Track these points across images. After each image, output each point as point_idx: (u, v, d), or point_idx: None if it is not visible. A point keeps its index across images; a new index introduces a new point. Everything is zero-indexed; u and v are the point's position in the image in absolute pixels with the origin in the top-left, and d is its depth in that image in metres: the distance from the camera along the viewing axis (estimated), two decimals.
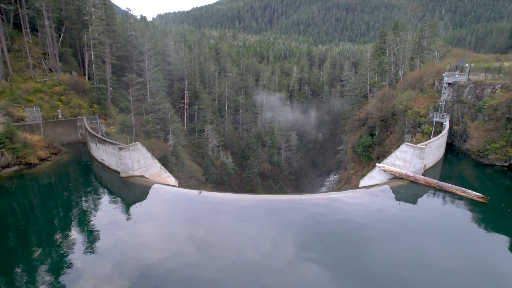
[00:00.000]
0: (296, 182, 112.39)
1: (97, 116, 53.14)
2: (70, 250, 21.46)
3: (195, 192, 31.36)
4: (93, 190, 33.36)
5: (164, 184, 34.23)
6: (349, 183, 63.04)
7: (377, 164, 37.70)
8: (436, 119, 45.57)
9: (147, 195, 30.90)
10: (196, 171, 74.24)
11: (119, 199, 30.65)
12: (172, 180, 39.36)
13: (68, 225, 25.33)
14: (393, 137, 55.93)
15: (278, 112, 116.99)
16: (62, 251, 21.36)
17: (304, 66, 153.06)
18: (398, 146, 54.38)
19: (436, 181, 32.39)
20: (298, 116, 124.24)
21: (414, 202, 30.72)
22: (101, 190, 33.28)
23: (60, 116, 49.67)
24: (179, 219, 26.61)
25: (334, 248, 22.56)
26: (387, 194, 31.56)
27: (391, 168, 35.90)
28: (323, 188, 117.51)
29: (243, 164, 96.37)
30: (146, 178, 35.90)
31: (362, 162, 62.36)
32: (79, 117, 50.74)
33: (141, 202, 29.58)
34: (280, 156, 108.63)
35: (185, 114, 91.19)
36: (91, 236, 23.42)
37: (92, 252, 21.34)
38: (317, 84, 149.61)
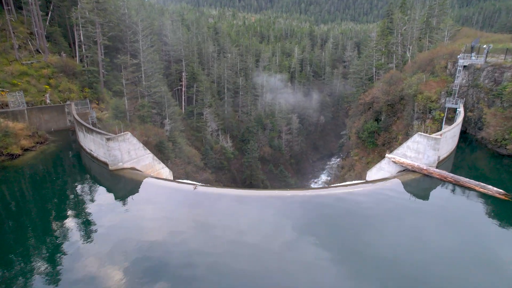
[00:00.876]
0: (296, 166, 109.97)
1: (88, 101, 49.90)
2: (46, 252, 18.86)
3: (189, 187, 28.56)
4: (79, 184, 30.56)
5: (156, 178, 31.41)
6: (352, 170, 60.35)
7: (386, 155, 34.79)
8: (448, 105, 42.35)
9: (137, 192, 28.13)
10: (194, 156, 71.47)
11: (105, 196, 27.77)
12: (166, 171, 36.57)
13: (46, 225, 22.67)
14: (400, 123, 52.81)
15: (279, 94, 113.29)
16: (40, 252, 18.76)
17: (306, 47, 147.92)
18: (406, 132, 51.47)
19: (452, 175, 29.55)
20: (300, 98, 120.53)
21: (427, 198, 28.00)
22: (88, 185, 30.45)
23: (48, 101, 46.45)
24: (169, 226, 23.86)
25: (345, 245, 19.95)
26: (398, 190, 28.79)
27: (402, 159, 32.99)
28: (324, 172, 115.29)
29: (243, 148, 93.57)
30: (137, 170, 33.10)
31: (367, 148, 59.48)
32: (68, 102, 47.52)
33: (129, 200, 26.81)
34: (281, 139, 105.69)
35: (183, 97, 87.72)
36: (70, 239, 20.78)
37: (69, 255, 18.74)
38: (319, 65, 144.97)
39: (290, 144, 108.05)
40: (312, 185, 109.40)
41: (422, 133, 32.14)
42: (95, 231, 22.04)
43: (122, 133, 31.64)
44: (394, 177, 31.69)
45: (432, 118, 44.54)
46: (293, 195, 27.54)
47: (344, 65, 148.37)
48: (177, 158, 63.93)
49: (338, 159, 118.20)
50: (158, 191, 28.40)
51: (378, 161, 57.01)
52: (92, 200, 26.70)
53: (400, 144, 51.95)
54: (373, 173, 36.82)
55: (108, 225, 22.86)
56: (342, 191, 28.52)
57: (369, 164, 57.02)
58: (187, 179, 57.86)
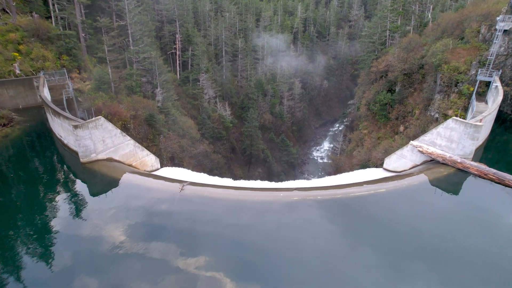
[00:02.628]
0: (298, 133, 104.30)
1: (65, 70, 43.16)
2: None
3: (176, 188, 23.03)
4: (42, 185, 24.91)
5: (138, 174, 25.80)
6: (361, 145, 54.70)
7: (411, 142, 28.90)
8: (480, 77, 35.82)
9: (110, 195, 22.64)
10: (190, 127, 65.46)
11: (67, 206, 21.94)
12: (151, 159, 30.92)
13: None
14: (418, 96, 46.38)
15: (281, 57, 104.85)
16: None
17: (310, 5, 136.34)
18: (425, 107, 45.19)
19: (494, 170, 23.88)
20: (302, 62, 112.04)
21: (471, 202, 22.58)
22: (52, 186, 24.75)
23: (18, 71, 39.83)
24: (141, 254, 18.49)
25: None
26: (430, 190, 23.32)
27: (431, 149, 27.15)
28: (326, 139, 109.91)
29: (242, 116, 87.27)
30: (116, 161, 27.46)
31: (378, 122, 53.46)
32: (42, 72, 40.85)
33: (97, 211, 21.24)
34: (282, 106, 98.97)
35: (177, 61, 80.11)
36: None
37: None
38: (323, 25, 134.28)
39: (292, 110, 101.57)
40: (314, 153, 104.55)
41: (458, 118, 26.07)
42: (45, 254, 16.81)
43: (93, 119, 25.63)
44: (420, 171, 26.09)
45: (459, 93, 38.17)
46: (303, 198, 22.11)
47: (350, 25, 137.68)
48: (171, 131, 58.11)
49: (341, 126, 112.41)
50: (136, 193, 22.89)
51: (390, 136, 51.42)
52: (52, 210, 21.20)
53: (417, 119, 46.05)
54: (392, 161, 31.19)
55: (61, 252, 17.55)
56: (362, 191, 23.07)
57: (380, 140, 51.35)
58: (180, 167, 52.59)
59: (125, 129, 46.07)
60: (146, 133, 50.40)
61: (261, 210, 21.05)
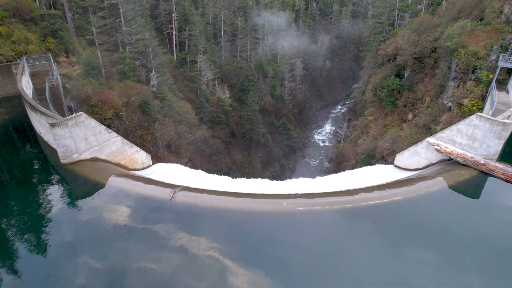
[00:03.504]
0: (299, 116, 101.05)
1: (51, 54, 39.64)
2: None
3: (166, 194, 20.31)
4: (15, 192, 22.18)
5: (125, 177, 23.01)
6: (366, 133, 51.73)
7: (427, 138, 25.98)
8: (502, 64, 32.46)
9: (93, 205, 19.90)
10: (187, 112, 62.30)
11: (37, 218, 19.12)
12: (141, 156, 28.08)
13: None
14: (429, 82, 43.05)
15: (282, 36, 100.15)
16: None
17: None
18: (437, 94, 41.93)
19: None
20: (304, 41, 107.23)
21: (498, 215, 19.91)
22: (26, 193, 21.97)
23: None
24: None
25: None
26: (448, 197, 20.64)
27: (450, 148, 24.26)
28: (328, 122, 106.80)
29: (242, 99, 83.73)
30: (101, 160, 24.65)
31: (385, 108, 50.25)
32: (25, 57, 37.41)
33: (74, 223, 18.54)
34: (283, 88, 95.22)
35: (174, 42, 75.98)
36: None
37: None
38: (326, 3, 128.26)
39: (293, 92, 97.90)
40: (316, 136, 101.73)
41: (483, 114, 23.07)
42: None
43: (73, 115, 22.62)
44: (437, 173, 23.33)
45: (476, 80, 34.90)
46: (309, 208, 19.45)
47: (354, 2, 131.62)
48: (167, 117, 55.06)
49: (344, 108, 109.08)
50: (121, 203, 20.16)
51: (398, 124, 48.38)
52: (16, 226, 18.48)
53: (428, 107, 42.91)
54: (404, 157, 28.41)
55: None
56: (374, 199, 20.39)
57: (387, 128, 48.38)
58: (176, 160, 49.68)
59: (117, 117, 43.11)
60: (140, 120, 47.38)
61: (262, 226, 18.44)
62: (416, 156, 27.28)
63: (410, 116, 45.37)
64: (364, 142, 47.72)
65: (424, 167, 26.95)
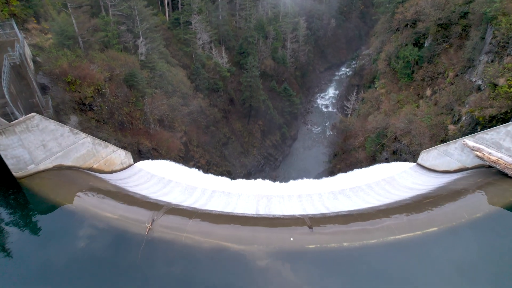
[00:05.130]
0: (302, 80, 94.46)
1: (14, 22, 33.25)
2: None
3: (148, 216, 15.89)
4: None
5: (94, 193, 18.37)
6: (377, 108, 46.34)
7: (464, 139, 21.01)
8: None
9: (43, 241, 15.47)
10: (181, 82, 56.44)
11: None
12: (119, 155, 23.33)
13: None
14: (454, 54, 37.01)
15: None
16: None
17: None
18: (463, 69, 36.06)
19: None
20: None
21: None
22: None
23: None
24: None
25: None
26: (499, 227, 16.20)
27: (495, 156, 19.38)
28: (331, 85, 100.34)
29: (241, 63, 76.88)
30: (68, 168, 19.97)
31: (399, 81, 44.43)
32: None
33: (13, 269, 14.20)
34: (285, 49, 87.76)
35: (166, 0, 67.83)
36: None
37: None
38: None
39: (296, 54, 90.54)
40: (318, 101, 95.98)
41: None
42: None
43: (22, 119, 17.52)
44: (477, 186, 18.74)
45: None
46: (322, 247, 15.12)
47: None
48: (158, 89, 49.42)
49: (348, 69, 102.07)
50: (84, 235, 15.75)
51: (413, 101, 42.88)
52: None
53: (451, 83, 37.29)
54: (431, 157, 23.66)
55: None
56: (401, 226, 15.99)
57: (401, 104, 43.01)
58: (170, 136, 44.46)
59: (99, 94, 37.69)
60: (127, 96, 41.96)
61: (264, 276, 14.16)
62: (447, 157, 22.54)
63: (428, 92, 39.82)
64: (375, 119, 42.60)
65: (455, 171, 22.34)
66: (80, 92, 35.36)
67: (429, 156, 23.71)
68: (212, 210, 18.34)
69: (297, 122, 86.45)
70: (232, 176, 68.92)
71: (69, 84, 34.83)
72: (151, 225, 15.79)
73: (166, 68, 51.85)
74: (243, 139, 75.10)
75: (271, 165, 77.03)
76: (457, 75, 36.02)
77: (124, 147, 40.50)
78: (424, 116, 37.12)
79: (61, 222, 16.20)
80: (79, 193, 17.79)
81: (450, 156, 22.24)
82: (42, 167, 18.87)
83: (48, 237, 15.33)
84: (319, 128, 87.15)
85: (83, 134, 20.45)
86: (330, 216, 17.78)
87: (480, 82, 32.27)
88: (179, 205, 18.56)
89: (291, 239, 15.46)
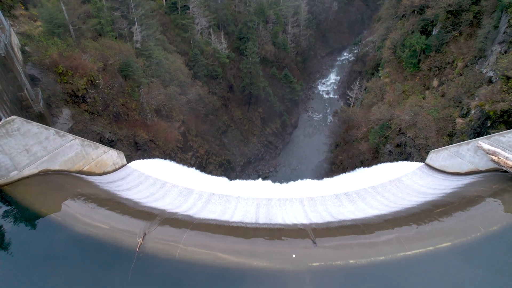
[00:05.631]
0: (303, 65, 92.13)
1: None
2: None
3: (133, 241, 14.68)
4: None
5: (84, 199, 17.07)
6: (381, 98, 44.67)
7: (479, 142, 19.56)
8: None
9: (21, 259, 14.24)
10: (179, 69, 54.51)
11: None
12: (111, 156, 21.96)
13: None
14: (465, 44, 35.12)
15: None
16: None
17: None
18: (473, 59, 34.27)
19: None
20: None
21: None
22: None
23: None
24: None
25: None
26: None
27: None
28: (333, 71, 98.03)
29: (240, 48, 74.57)
30: (55, 172, 18.64)
31: (404, 70, 42.59)
32: None
33: None
34: (286, 34, 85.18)
35: None
36: None
37: None
38: None
39: (297, 39, 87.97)
40: (319, 87, 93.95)
41: None
42: None
43: (0, 123, 16.07)
44: (492, 192, 17.46)
45: None
46: (328, 267, 13.96)
47: None
48: (154, 78, 47.64)
49: (350, 55, 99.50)
50: (69, 253, 14.54)
51: (419, 91, 41.18)
52: None
53: (460, 74, 35.55)
54: (441, 157, 22.27)
55: None
56: (415, 243, 14.80)
57: (406, 95, 41.36)
58: (168, 126, 43.03)
59: (92, 86, 35.98)
60: (122, 86, 40.24)
61: None
62: (458, 158, 21.16)
63: (435, 82, 38.08)
64: (379, 110, 41.00)
65: (466, 173, 21.02)
66: (72, 84, 33.70)
67: (438, 157, 22.33)
68: (209, 220, 17.12)
69: (297, 109, 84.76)
70: (232, 165, 67.94)
71: (60, 76, 33.14)
72: (142, 240, 14.59)
73: (163, 56, 49.84)
74: (243, 127, 73.65)
75: (271, 153, 75.85)
76: (466, 66, 34.23)
77: (120, 140, 39.33)
78: (431, 109, 35.57)
79: (43, 235, 14.98)
80: (65, 202, 16.51)
81: (462, 158, 20.87)
82: (26, 173, 17.52)
83: (26, 254, 14.14)
84: (320, 115, 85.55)
85: (70, 136, 19.01)
86: (334, 227, 16.59)
87: (491, 74, 30.56)
88: (173, 214, 17.33)
89: (293, 255, 14.28)
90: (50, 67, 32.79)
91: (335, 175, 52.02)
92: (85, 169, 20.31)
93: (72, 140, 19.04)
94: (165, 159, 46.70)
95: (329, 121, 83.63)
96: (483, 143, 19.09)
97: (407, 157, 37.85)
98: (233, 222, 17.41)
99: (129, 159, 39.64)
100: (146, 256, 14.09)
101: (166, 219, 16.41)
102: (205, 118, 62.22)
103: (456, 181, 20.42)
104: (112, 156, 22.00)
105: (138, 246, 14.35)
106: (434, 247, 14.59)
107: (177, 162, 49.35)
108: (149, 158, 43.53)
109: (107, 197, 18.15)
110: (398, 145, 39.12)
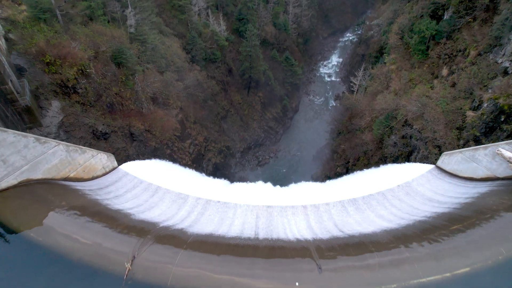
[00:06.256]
0: (304, 47, 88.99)
1: None
2: None
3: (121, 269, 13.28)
4: None
5: (66, 212, 15.58)
6: (386, 87, 42.53)
7: (499, 148, 17.87)
8: None
9: None
10: (175, 54, 52.02)
11: None
12: (100, 160, 20.30)
13: None
14: (478, 30, 32.73)
15: None
16: None
17: None
18: (487, 47, 31.95)
19: None
20: None
21: None
22: None
23: None
24: None
25: None
26: None
27: None
28: (335, 52, 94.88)
29: (240, 30, 71.50)
30: (38, 181, 17.09)
31: (412, 57, 40.23)
32: None
33: None
34: (287, 14, 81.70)
35: None
36: None
37: None
38: None
39: (298, 20, 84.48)
40: (321, 69, 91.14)
41: None
42: None
43: None
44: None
45: None
46: None
47: None
48: (150, 63, 45.30)
49: (353, 36, 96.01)
50: (53, 273, 13.16)
51: (427, 80, 39.05)
52: None
53: (472, 63, 33.36)
54: (454, 161, 20.64)
55: None
56: (431, 269, 13.40)
57: (413, 83, 39.25)
58: (165, 114, 41.19)
59: (83, 76, 33.88)
60: (115, 75, 38.11)
61: None
62: (473, 163, 19.54)
63: (444, 71, 35.92)
64: (384, 100, 39.01)
65: (481, 179, 19.47)
66: (61, 74, 31.60)
67: (451, 160, 20.70)
68: (204, 236, 15.69)
69: (298, 93, 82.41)
70: (231, 152, 66.41)
71: (48, 65, 31.00)
72: (131, 265, 13.19)
73: (158, 40, 47.28)
74: (243, 112, 71.65)
75: (271, 139, 74.22)
76: (480, 54, 32.02)
77: (114, 132, 37.54)
78: (439, 100, 33.62)
79: (20, 257, 13.57)
80: (47, 218, 15.05)
81: (478, 163, 19.25)
82: (4, 185, 15.95)
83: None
84: (322, 99, 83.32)
85: (53, 142, 17.32)
86: (340, 245, 15.18)
87: (507, 65, 28.50)
88: (166, 229, 15.89)
89: (296, 283, 12.91)
90: (37, 56, 30.61)
91: (337, 163, 50.79)
92: (71, 175, 18.73)
93: (56, 146, 17.36)
94: (163, 148, 45.50)
95: (330, 105, 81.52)
96: (504, 149, 17.41)
97: (413, 150, 36.31)
98: (230, 238, 15.99)
99: (124, 151, 38.37)
100: (135, 284, 12.73)
101: (158, 237, 14.99)
102: (203, 104, 60.13)
103: (471, 188, 18.89)
104: (101, 159, 20.36)
105: (127, 272, 12.96)
106: (452, 273, 13.20)
107: (175, 153, 47.98)
108: (145, 148, 42.30)
109: (95, 209, 16.67)
110: (403, 137, 37.45)
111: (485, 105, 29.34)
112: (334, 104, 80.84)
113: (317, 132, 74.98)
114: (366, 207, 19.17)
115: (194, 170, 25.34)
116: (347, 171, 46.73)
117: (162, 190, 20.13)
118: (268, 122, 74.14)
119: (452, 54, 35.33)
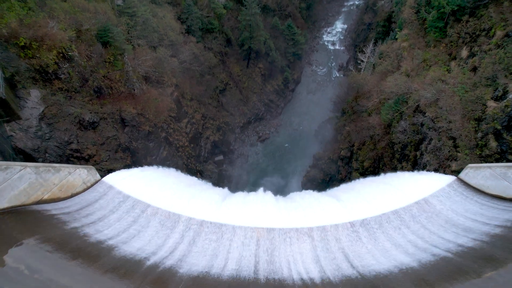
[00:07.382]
0: (307, 12, 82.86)
1: None
2: None
3: None
4: None
5: (33, 249, 13.22)
6: (397, 66, 38.70)
7: None
8: None
9: None
10: (169, 27, 47.44)
11: None
12: (79, 176, 17.63)
13: None
14: (509, 8, 28.58)
15: None
16: None
17: None
18: None
19: None
20: None
21: None
22: None
23: None
24: None
25: None
26: None
27: None
28: (339, 18, 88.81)
29: None
30: (3, 211, 14.58)
31: (427, 35, 36.05)
32: None
33: None
34: None
35: None
36: None
37: None
38: None
39: None
40: (325, 37, 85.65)
41: None
42: None
43: None
44: None
45: None
46: None
47: None
48: (141, 40, 41.13)
49: (359, 1, 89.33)
50: None
51: (443, 62, 35.27)
52: None
53: (497, 46, 29.56)
54: (481, 176, 18.03)
55: None
56: None
57: (427, 64, 35.54)
58: (159, 93, 37.96)
59: (65, 59, 30.19)
60: (102, 56, 34.28)
61: None
62: (504, 181, 16.93)
63: (464, 53, 32.08)
64: (395, 83, 35.50)
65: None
66: (39, 59, 28.00)
67: (477, 174, 18.03)
68: (197, 278, 13.45)
69: (300, 63, 77.77)
70: (231, 127, 63.53)
71: (23, 49, 27.36)
72: None
73: (150, 13, 42.65)
74: (242, 85, 67.85)
75: (272, 113, 71.03)
76: (507, 36, 28.10)
77: (103, 119, 34.38)
78: (457, 86, 30.19)
79: None
80: (8, 263, 12.69)
81: (510, 181, 16.61)
82: None
83: None
84: (325, 69, 78.91)
85: (18, 166, 14.56)
86: None
87: None
88: (154, 269, 13.61)
89: None
90: (9, 39, 26.87)
91: (341, 146, 48.07)
92: (46, 197, 16.20)
93: (21, 170, 14.63)
94: (157, 131, 42.60)
95: (334, 76, 77.30)
96: None
97: (423, 138, 33.43)
98: (226, 279, 13.75)
99: (115, 139, 35.47)
100: None
101: (143, 285, 12.73)
102: (200, 79, 56.35)
103: (501, 210, 16.40)
104: (81, 175, 17.70)
105: None
106: None
107: (170, 135, 45.13)
108: (138, 133, 39.41)
109: (71, 245, 14.28)
110: (413, 124, 34.44)
111: (510, 96, 26.04)
112: (338, 75, 76.62)
113: (319, 105, 71.62)
114: (380, 231, 16.84)
115: (188, 173, 22.61)
116: (351, 155, 44.25)
117: (150, 209, 17.68)
118: (269, 95, 70.50)
119: (474, 33, 31.30)
